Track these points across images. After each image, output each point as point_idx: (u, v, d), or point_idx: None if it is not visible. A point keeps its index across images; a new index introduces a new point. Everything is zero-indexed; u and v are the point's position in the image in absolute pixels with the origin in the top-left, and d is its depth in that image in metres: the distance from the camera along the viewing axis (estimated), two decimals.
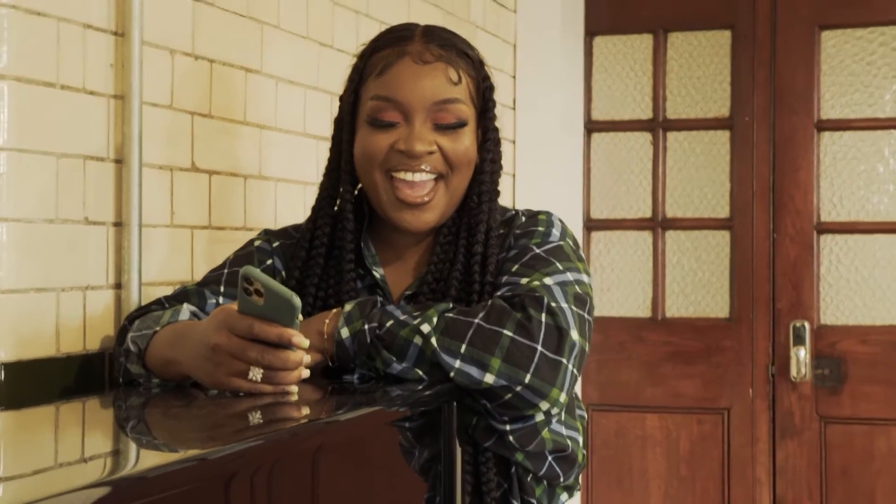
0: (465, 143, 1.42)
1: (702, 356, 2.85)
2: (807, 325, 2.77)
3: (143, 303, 1.53)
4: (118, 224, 1.53)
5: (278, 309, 1.18)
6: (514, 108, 2.89)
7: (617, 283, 2.93)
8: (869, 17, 2.79)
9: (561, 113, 2.95)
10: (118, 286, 1.53)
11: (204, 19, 1.68)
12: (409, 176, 1.41)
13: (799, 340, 2.77)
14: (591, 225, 2.99)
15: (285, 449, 1.14)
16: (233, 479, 1.04)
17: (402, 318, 1.31)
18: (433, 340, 1.28)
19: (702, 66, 2.92)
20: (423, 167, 1.40)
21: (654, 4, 2.96)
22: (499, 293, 1.38)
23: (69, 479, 0.92)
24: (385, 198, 1.42)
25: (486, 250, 1.46)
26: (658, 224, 2.92)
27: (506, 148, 2.75)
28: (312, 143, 1.99)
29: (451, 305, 1.34)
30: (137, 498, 0.87)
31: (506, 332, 1.29)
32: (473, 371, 1.29)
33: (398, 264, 1.51)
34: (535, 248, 1.46)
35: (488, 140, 1.46)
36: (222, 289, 1.46)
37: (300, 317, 1.21)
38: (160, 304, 1.46)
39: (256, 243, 1.51)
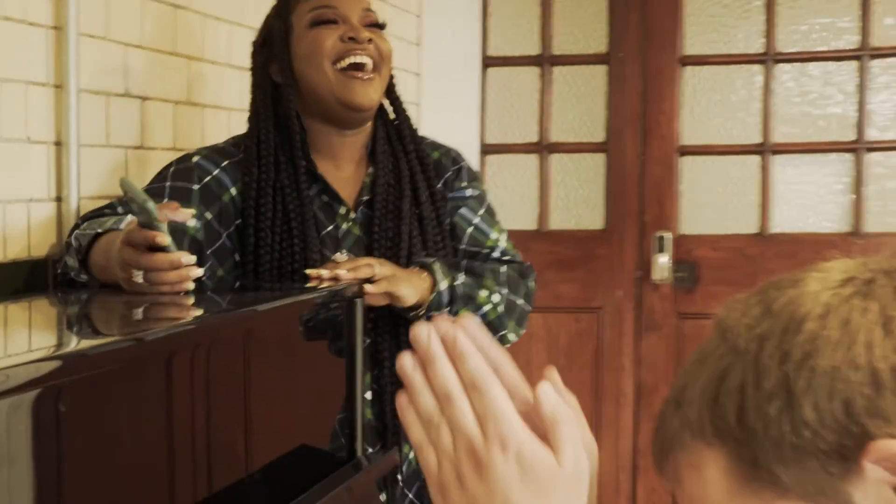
0: (387, 43, 1.47)
1: (580, 263, 2.86)
2: (669, 235, 2.81)
3: (83, 214, 1.50)
4: (58, 143, 1.50)
5: (145, 215, 1.14)
6: (419, 45, 2.84)
7: (509, 200, 2.92)
8: None
9: (461, 50, 2.92)
10: (59, 199, 1.51)
11: None
12: (357, 58, 1.43)
13: (661, 248, 2.80)
14: (486, 149, 2.98)
15: (217, 332, 1.15)
16: (164, 359, 1.04)
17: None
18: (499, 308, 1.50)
19: (582, 7, 2.88)
20: (367, 52, 1.44)
21: None
22: (495, 255, 1.56)
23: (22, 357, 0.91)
24: (335, 81, 1.43)
25: (424, 162, 1.54)
26: (544, 148, 2.91)
27: (411, 81, 2.76)
28: (236, 73, 1.95)
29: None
30: (80, 372, 0.89)
31: (518, 301, 1.52)
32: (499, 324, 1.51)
33: (336, 174, 1.51)
34: (486, 195, 1.62)
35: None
36: (165, 201, 1.41)
37: (160, 216, 1.15)
38: (112, 207, 1.42)
39: (195, 159, 1.47)
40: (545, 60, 2.91)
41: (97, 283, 1.30)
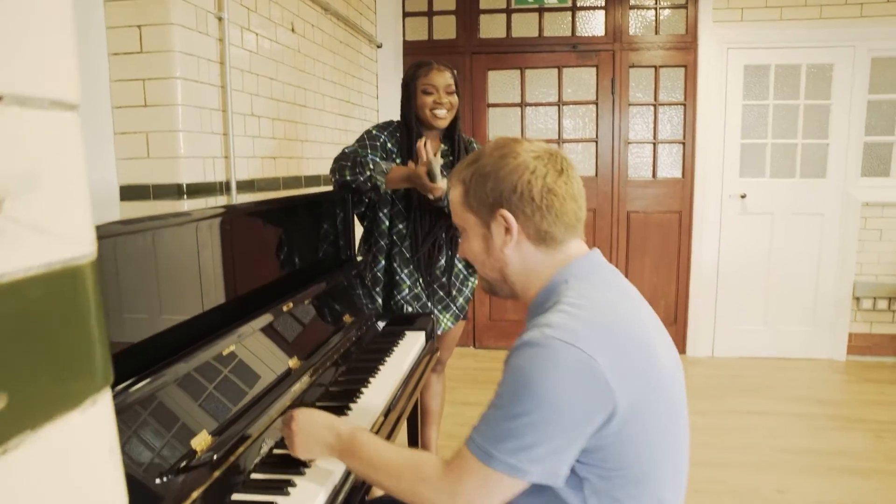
0: (456, 98, 1.46)
1: None
2: None
3: (237, 166, 1.49)
4: (225, 134, 1.49)
5: (432, 175, 1.27)
6: (377, 111, 2.65)
7: None
8: (508, 65, 2.80)
9: (394, 107, 2.51)
10: (226, 157, 1.50)
11: None
12: (440, 112, 1.43)
13: None
14: None
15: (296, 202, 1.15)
16: (274, 212, 1.04)
17: None
18: None
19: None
20: (444, 106, 1.43)
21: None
22: None
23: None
24: (429, 116, 1.43)
25: (468, 147, 1.50)
26: None
27: (374, 114, 2.62)
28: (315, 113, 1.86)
29: None
30: (246, 214, 0.93)
31: None
32: None
33: (429, 138, 1.46)
34: None
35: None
36: (378, 155, 1.42)
37: (436, 174, 1.25)
38: (363, 149, 1.41)
39: (373, 132, 1.45)
40: None
41: (383, 188, 1.34)
